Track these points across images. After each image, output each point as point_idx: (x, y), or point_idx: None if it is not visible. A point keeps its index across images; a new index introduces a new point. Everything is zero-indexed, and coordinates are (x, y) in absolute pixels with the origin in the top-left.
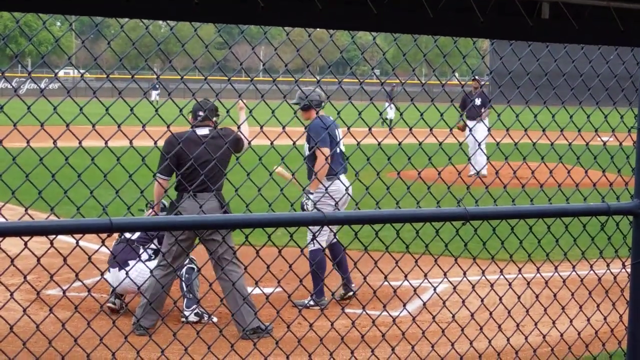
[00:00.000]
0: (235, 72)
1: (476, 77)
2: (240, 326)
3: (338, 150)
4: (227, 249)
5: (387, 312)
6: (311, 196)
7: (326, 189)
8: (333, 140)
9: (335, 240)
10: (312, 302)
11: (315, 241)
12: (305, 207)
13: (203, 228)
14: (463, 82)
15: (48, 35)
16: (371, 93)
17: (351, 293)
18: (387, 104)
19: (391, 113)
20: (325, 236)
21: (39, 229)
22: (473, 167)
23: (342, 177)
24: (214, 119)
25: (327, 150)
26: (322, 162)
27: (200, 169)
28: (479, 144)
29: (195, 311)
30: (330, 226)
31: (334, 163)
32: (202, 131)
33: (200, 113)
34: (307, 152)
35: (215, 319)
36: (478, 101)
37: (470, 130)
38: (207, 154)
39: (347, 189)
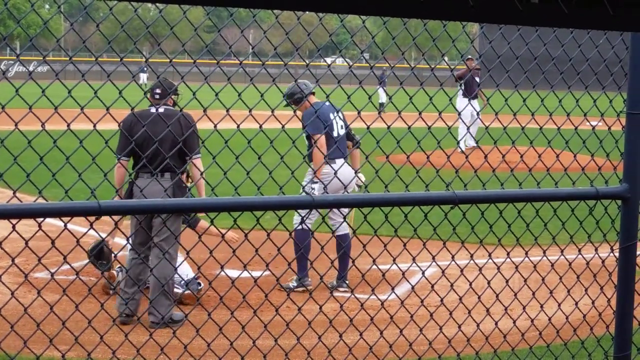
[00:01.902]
0: (224, 56)
1: (471, 57)
2: (159, 314)
3: (335, 134)
4: (167, 236)
5: (376, 295)
6: (308, 180)
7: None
8: (324, 124)
9: (346, 232)
10: (295, 283)
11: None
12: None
13: (190, 211)
14: (452, 67)
15: (36, 17)
16: (361, 77)
17: (342, 288)
18: (378, 88)
19: (383, 97)
20: (314, 218)
21: (27, 211)
22: (473, 139)
23: (341, 161)
24: (173, 97)
25: (317, 137)
26: (316, 149)
27: (153, 147)
28: (477, 115)
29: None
30: (341, 214)
31: (328, 147)
32: (159, 110)
33: (158, 91)
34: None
35: (202, 285)
36: (477, 79)
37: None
38: (159, 133)
39: (334, 172)
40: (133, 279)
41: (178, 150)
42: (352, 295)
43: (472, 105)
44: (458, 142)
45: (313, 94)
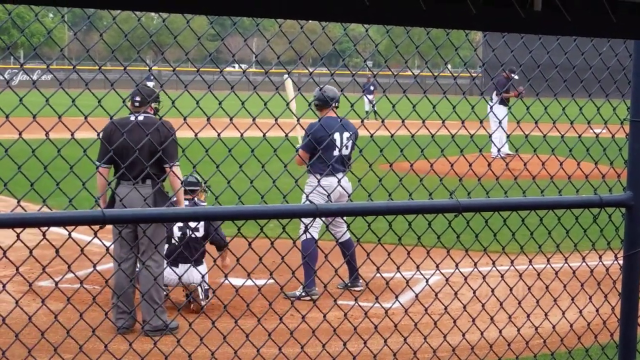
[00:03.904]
0: (227, 64)
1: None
2: (149, 324)
3: (336, 152)
4: (150, 244)
5: (380, 303)
6: (307, 191)
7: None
8: (326, 140)
9: (347, 237)
10: (303, 293)
11: (307, 232)
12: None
13: (195, 220)
14: (456, 74)
15: (40, 27)
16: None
17: (358, 288)
18: (367, 96)
19: (367, 105)
20: (318, 228)
21: (32, 220)
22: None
23: (340, 175)
24: (154, 105)
25: (302, 152)
26: (296, 159)
27: (132, 155)
28: (500, 123)
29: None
30: (342, 225)
31: (325, 163)
32: (138, 117)
33: (137, 98)
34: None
35: (210, 298)
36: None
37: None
38: (138, 141)
39: (339, 181)
40: (118, 291)
41: (157, 159)
42: (356, 304)
43: (499, 110)
44: (499, 150)
45: (334, 107)
